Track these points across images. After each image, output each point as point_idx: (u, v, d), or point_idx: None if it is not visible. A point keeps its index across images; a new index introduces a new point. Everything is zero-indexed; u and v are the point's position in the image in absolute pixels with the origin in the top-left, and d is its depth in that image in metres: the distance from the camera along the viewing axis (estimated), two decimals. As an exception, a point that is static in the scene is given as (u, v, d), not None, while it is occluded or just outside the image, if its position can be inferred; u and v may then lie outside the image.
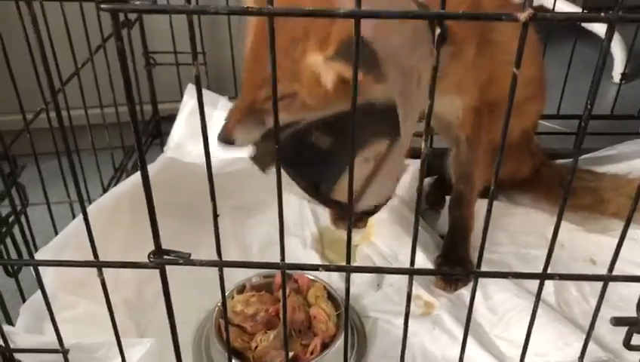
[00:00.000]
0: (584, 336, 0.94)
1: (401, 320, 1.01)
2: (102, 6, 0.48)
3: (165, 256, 0.62)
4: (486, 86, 1.01)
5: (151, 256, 0.62)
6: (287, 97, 0.81)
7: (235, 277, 1.04)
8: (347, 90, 0.70)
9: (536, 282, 1.08)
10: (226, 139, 0.84)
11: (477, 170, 1.10)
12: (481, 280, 0.64)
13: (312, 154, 0.92)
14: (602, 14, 0.45)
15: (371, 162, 0.87)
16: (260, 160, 0.93)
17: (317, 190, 0.91)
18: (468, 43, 0.92)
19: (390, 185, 0.95)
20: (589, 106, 0.52)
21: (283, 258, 0.62)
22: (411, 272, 0.64)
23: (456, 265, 1.12)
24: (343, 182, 0.84)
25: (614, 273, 0.61)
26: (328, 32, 0.76)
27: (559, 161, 1.37)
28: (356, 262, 1.15)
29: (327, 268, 0.64)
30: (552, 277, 0.62)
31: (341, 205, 0.92)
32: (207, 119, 0.55)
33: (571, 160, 1.35)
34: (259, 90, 0.82)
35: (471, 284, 1.09)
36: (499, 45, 0.98)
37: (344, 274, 1.08)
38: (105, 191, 1.25)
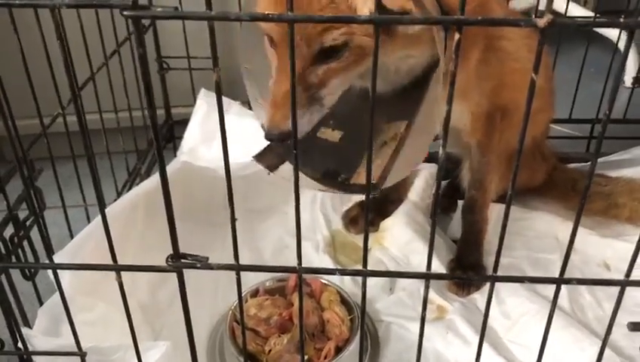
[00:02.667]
0: (599, 341, 0.94)
1: (414, 325, 1.02)
2: (124, 13, 0.49)
3: (183, 260, 0.63)
4: (494, 93, 1.01)
5: (169, 259, 0.63)
6: (341, 48, 0.73)
7: (247, 281, 1.04)
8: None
9: (550, 286, 1.09)
10: (280, 131, 0.72)
11: (489, 176, 1.10)
12: (495, 285, 0.65)
13: (324, 148, 0.92)
14: (622, 20, 0.45)
15: (390, 145, 0.86)
16: (265, 158, 0.91)
17: (335, 179, 0.89)
18: (471, 50, 0.92)
19: (415, 160, 0.92)
20: (607, 112, 0.52)
21: (300, 262, 0.63)
22: (427, 276, 0.64)
23: (470, 270, 1.12)
24: (363, 167, 0.83)
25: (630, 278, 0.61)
26: None
27: (572, 165, 1.37)
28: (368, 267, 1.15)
29: (344, 273, 0.65)
30: (568, 281, 0.62)
31: (363, 187, 0.91)
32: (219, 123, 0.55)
33: (584, 164, 1.36)
34: (303, 60, 0.72)
35: (483, 288, 1.11)
36: (507, 53, 0.98)
37: (356, 278, 1.10)
38: (119, 194, 1.26)
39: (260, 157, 0.91)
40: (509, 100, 1.02)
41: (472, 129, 1.05)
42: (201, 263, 0.63)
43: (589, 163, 1.38)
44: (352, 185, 0.88)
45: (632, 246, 0.59)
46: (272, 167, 0.90)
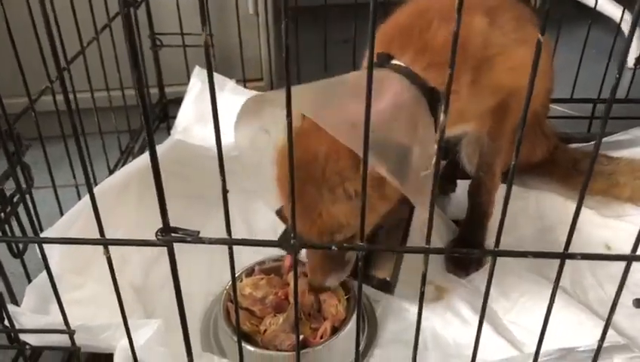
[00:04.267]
0: (600, 322, 0.93)
1: (412, 305, 1.00)
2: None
3: (173, 234, 0.60)
4: (495, 95, 0.99)
5: (159, 233, 0.60)
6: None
7: (242, 262, 1.02)
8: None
9: (551, 267, 1.07)
10: (322, 287, 0.92)
11: (499, 159, 1.07)
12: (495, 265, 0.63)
13: None
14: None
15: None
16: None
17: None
18: (458, 81, 0.90)
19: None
20: (613, 89, 0.50)
21: (295, 236, 0.61)
22: (426, 251, 0.61)
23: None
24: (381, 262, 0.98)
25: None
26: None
27: (573, 145, 1.35)
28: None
29: (341, 247, 0.62)
30: (573, 256, 0.60)
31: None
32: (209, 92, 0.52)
33: (585, 144, 1.34)
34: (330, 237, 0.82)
35: (482, 270, 1.09)
36: (499, 57, 0.95)
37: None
38: (111, 173, 1.24)
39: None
40: (513, 91, 0.99)
41: (480, 126, 1.04)
42: (192, 237, 0.60)
43: (590, 143, 1.36)
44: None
45: (633, 227, 0.57)
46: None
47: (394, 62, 0.89)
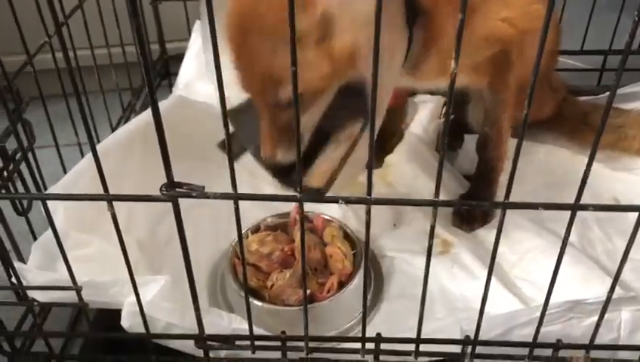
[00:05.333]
0: (607, 278, 0.92)
1: (419, 260, 1.00)
2: None
3: (178, 189, 0.60)
4: (488, 43, 0.94)
5: (163, 188, 0.60)
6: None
7: (248, 220, 1.02)
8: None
9: (556, 222, 1.06)
10: (274, 161, 0.82)
11: (505, 113, 1.04)
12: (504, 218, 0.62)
13: None
14: None
15: (343, 145, 0.82)
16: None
17: (287, 176, 0.83)
18: (445, 23, 0.84)
19: (359, 169, 0.89)
20: (629, 39, 0.48)
21: (301, 189, 0.60)
22: (434, 204, 0.61)
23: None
24: (318, 168, 0.79)
25: None
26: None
27: (582, 99, 1.32)
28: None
29: (348, 201, 0.62)
30: (585, 207, 0.59)
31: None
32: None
33: (595, 97, 1.31)
34: (264, 96, 0.78)
35: (488, 225, 1.08)
36: (493, 5, 0.90)
37: (360, 214, 1.07)
38: (113, 131, 1.22)
39: (222, 145, 0.86)
40: (511, 40, 0.95)
41: (477, 78, 1.00)
42: (197, 192, 0.60)
43: (599, 96, 1.34)
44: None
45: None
46: (236, 156, 0.86)
47: None
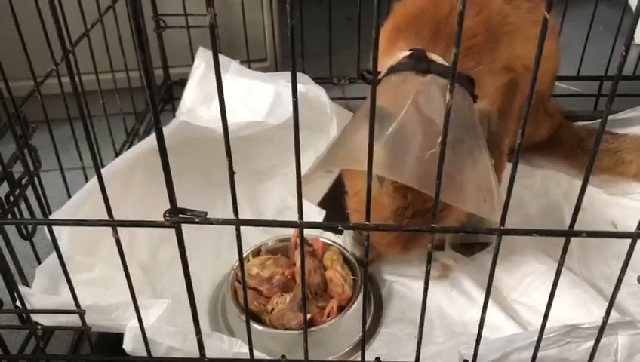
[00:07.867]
0: (605, 303, 0.93)
1: (418, 283, 1.01)
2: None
3: (181, 215, 0.61)
4: (505, 72, 0.99)
5: (167, 214, 0.61)
6: None
7: (248, 241, 1.03)
8: None
9: (556, 247, 1.07)
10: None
11: (507, 138, 1.07)
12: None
13: None
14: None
15: None
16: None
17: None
18: (483, 60, 0.92)
19: None
20: (619, 64, 0.50)
21: (301, 216, 0.61)
22: (431, 230, 0.62)
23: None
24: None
25: None
26: None
27: (578, 123, 1.34)
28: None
29: (347, 226, 0.63)
30: (578, 234, 0.60)
31: None
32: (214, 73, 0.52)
33: (591, 122, 1.33)
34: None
35: (487, 249, 1.09)
36: (514, 35, 0.96)
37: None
38: (117, 155, 1.24)
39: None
40: (524, 69, 0.99)
41: (493, 102, 1.03)
42: (200, 218, 0.61)
43: (596, 121, 1.35)
44: None
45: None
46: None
47: (433, 58, 0.89)
